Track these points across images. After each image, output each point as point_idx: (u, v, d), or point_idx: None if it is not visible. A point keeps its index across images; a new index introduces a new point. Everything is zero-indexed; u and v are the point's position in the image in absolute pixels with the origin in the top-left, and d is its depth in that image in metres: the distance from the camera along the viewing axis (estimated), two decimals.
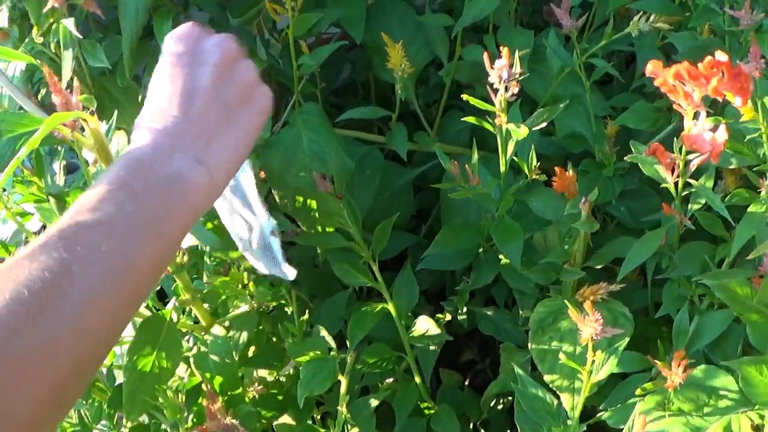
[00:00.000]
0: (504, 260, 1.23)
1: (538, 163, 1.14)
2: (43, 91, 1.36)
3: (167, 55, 0.76)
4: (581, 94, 1.29)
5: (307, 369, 1.17)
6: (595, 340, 0.89)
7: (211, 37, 0.79)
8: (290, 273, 0.97)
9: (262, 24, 1.31)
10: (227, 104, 0.76)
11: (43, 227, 1.18)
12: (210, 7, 1.29)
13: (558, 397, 1.05)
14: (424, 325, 1.24)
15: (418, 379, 1.28)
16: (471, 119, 1.09)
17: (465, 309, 1.32)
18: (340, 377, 1.20)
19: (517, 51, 1.06)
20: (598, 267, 1.19)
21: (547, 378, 1.06)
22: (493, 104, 1.06)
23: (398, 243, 1.44)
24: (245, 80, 0.79)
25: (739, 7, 1.20)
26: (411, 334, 1.24)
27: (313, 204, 1.21)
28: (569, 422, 1.02)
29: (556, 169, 1.09)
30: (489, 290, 1.35)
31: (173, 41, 0.77)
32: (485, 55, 1.02)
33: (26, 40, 1.26)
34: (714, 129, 0.94)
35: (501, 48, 1.02)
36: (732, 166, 1.14)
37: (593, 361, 0.94)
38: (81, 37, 1.21)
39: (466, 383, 1.53)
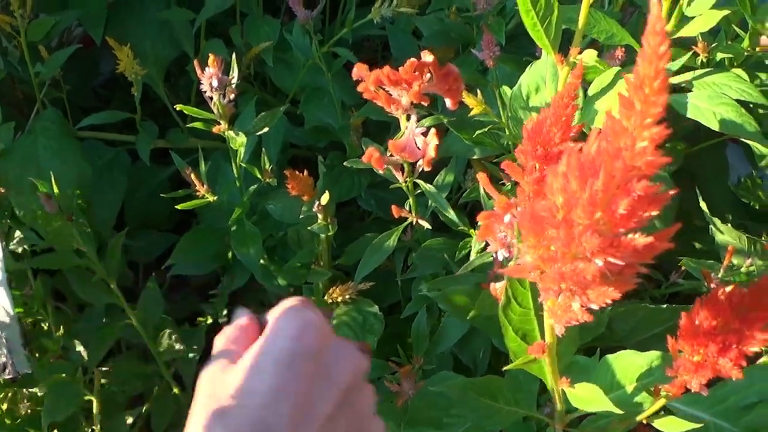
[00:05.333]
0: None
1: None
2: None
3: (284, 345, 0.56)
4: (326, 85, 1.24)
5: (50, 395, 1.11)
6: None
7: (344, 343, 0.60)
8: None
9: None
10: None
11: None
12: None
13: None
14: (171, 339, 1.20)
15: (176, 389, 1.23)
16: (198, 125, 1.03)
17: (225, 312, 1.27)
18: (91, 397, 1.16)
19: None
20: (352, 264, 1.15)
21: None
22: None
23: (160, 244, 1.38)
24: (362, 411, 0.60)
25: None
26: (159, 349, 1.19)
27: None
28: None
29: (286, 172, 1.03)
30: (256, 290, 1.30)
31: (295, 329, 0.56)
32: (195, 63, 0.96)
33: None
34: (425, 133, 0.90)
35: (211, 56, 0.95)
36: (476, 156, 1.11)
37: None
38: None
39: None
